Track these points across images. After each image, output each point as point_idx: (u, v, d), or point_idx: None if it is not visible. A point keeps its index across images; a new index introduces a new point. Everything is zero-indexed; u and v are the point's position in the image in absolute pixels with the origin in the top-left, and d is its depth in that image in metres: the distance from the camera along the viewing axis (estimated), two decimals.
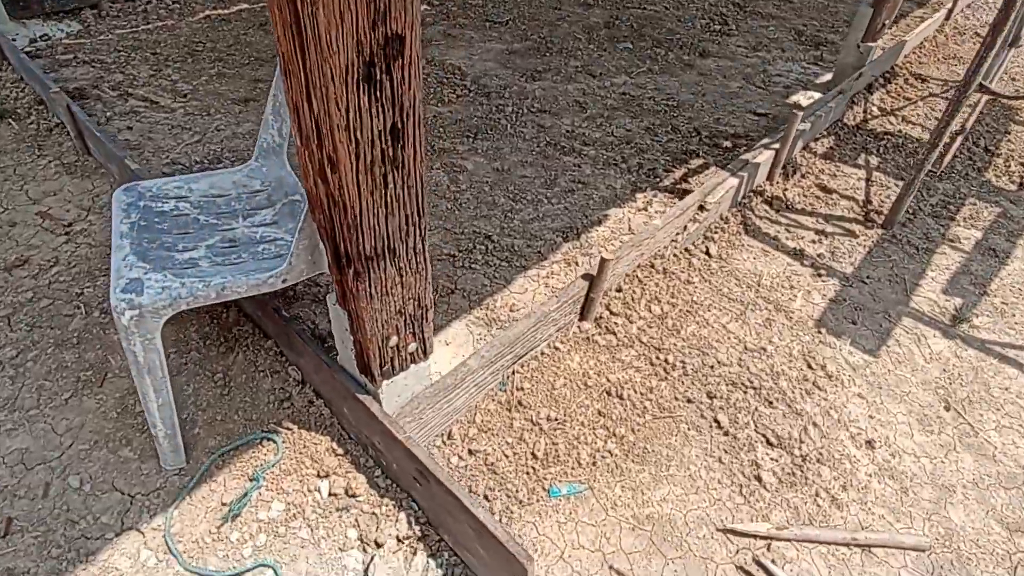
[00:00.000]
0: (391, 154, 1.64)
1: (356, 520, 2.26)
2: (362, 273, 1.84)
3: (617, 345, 3.04)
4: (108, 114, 4.67)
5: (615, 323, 3.13)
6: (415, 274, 2.03)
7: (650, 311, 3.24)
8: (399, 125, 1.60)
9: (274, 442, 2.52)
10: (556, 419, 2.67)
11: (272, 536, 2.21)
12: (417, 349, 2.26)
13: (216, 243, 2.45)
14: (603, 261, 2.85)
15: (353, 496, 2.31)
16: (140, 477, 2.39)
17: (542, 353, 2.94)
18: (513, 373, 2.82)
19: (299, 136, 1.71)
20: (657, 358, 3.00)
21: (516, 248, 3.66)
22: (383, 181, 1.67)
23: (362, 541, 2.20)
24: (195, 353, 2.85)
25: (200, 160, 4.21)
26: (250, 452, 2.49)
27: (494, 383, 2.75)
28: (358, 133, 1.52)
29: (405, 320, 2.12)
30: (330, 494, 2.33)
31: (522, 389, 2.76)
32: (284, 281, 2.22)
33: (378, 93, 1.48)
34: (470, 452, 2.50)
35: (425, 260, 2.03)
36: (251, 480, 2.39)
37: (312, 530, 2.23)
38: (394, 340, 2.12)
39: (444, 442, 2.53)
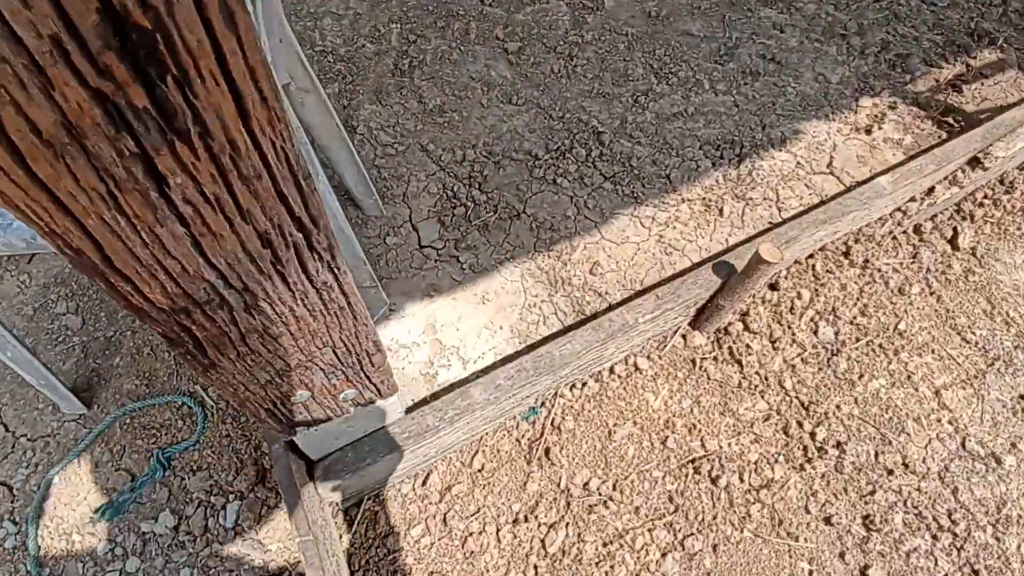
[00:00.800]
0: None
1: None
2: (180, 333, 0.84)
3: (739, 386, 1.87)
4: None
5: (747, 346, 1.91)
6: (323, 315, 0.98)
7: (814, 334, 1.95)
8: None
9: (195, 412, 1.79)
10: (598, 492, 1.69)
11: (145, 568, 1.58)
12: (360, 394, 1.29)
13: None
14: (759, 260, 1.57)
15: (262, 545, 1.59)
16: (32, 415, 1.81)
17: (610, 371, 1.86)
18: (555, 396, 1.80)
19: None
20: (800, 426, 1.81)
21: (634, 162, 2.36)
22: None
23: None
24: None
25: None
26: (168, 418, 1.81)
27: (516, 412, 1.76)
28: None
29: (323, 370, 1.13)
30: (235, 526, 1.62)
31: (559, 429, 1.76)
32: None
33: None
34: (444, 521, 1.63)
35: (343, 292, 0.97)
36: (154, 459, 1.72)
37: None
38: (303, 395, 1.16)
39: (415, 490, 1.67)
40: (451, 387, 1.83)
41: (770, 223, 2.22)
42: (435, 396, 1.88)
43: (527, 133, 2.45)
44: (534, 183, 2.32)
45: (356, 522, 1.59)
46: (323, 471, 1.43)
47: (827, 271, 2.01)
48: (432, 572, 1.57)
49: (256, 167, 0.66)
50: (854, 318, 1.98)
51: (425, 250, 2.20)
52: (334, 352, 1.08)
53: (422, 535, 1.60)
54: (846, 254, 2.05)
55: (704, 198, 2.27)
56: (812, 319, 1.96)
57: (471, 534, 1.61)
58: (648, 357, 1.87)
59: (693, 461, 1.75)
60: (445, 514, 1.63)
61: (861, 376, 1.89)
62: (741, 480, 1.72)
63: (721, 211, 2.23)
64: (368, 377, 1.23)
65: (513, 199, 2.29)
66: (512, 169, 2.36)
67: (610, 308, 2.03)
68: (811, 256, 2.02)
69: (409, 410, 1.56)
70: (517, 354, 1.94)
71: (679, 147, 2.41)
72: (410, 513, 1.63)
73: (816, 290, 1.99)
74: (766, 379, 1.87)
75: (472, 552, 1.59)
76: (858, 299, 2.01)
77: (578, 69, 2.64)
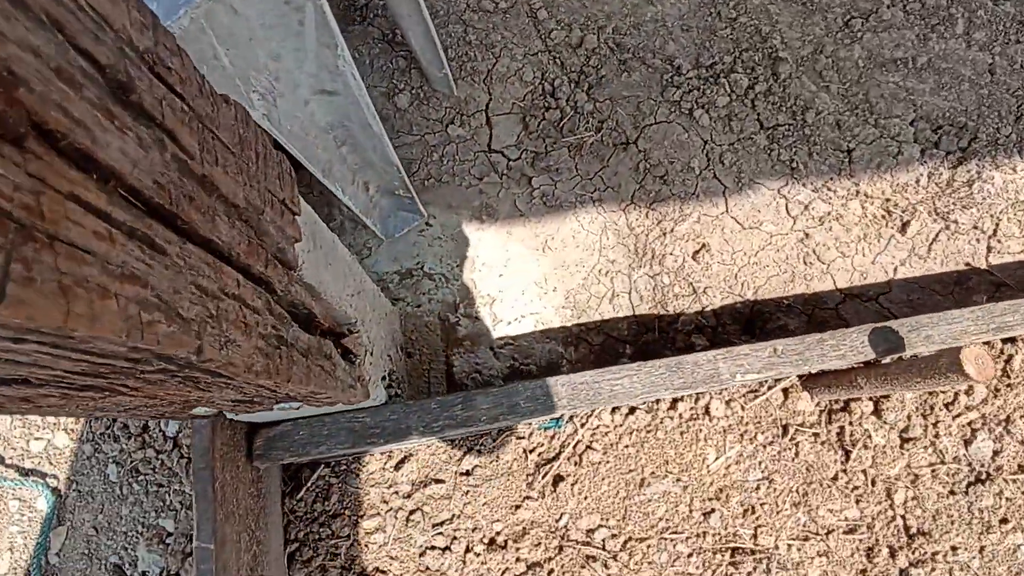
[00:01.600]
0: None
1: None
2: None
3: (833, 479, 1.39)
4: None
5: (867, 433, 1.39)
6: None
7: (965, 445, 1.40)
8: None
9: None
10: (602, 546, 1.33)
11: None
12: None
13: None
14: (955, 368, 1.01)
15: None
16: None
17: (671, 404, 1.40)
18: (590, 415, 1.38)
19: None
20: (891, 556, 1.35)
21: (811, 115, 1.67)
22: None
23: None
24: None
25: None
26: None
27: (535, 422, 1.36)
28: None
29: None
30: (176, 436, 1.36)
31: (580, 458, 1.36)
32: None
33: None
34: (407, 522, 1.32)
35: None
36: None
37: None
38: (201, 411, 0.77)
39: (383, 471, 1.35)
40: (458, 387, 1.43)
41: (967, 265, 1.56)
42: (449, 358, 1.49)
43: (678, 30, 1.75)
44: (662, 106, 1.68)
45: (305, 487, 1.31)
46: (264, 444, 1.10)
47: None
48: (377, 569, 1.30)
49: None
50: None
51: (494, 155, 1.68)
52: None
53: (376, 530, 1.30)
54: None
55: (888, 200, 1.60)
56: (971, 424, 1.40)
57: (433, 548, 1.30)
58: (727, 402, 1.39)
59: (735, 551, 1.34)
60: (411, 514, 1.31)
61: (1004, 522, 1.37)
62: None
63: (904, 227, 1.58)
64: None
65: (627, 120, 1.68)
66: (639, 77, 1.71)
67: (698, 344, 1.51)
68: (1013, 341, 1.40)
69: (392, 398, 1.18)
70: (560, 329, 1.49)
71: (883, 112, 1.68)
72: (370, 499, 1.32)
73: (998, 390, 1.40)
74: (872, 483, 1.37)
75: (427, 568, 1.29)
76: None
77: None
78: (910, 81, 1.72)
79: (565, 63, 1.73)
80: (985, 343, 1.38)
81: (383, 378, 1.19)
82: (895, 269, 1.57)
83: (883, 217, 1.60)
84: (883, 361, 1.20)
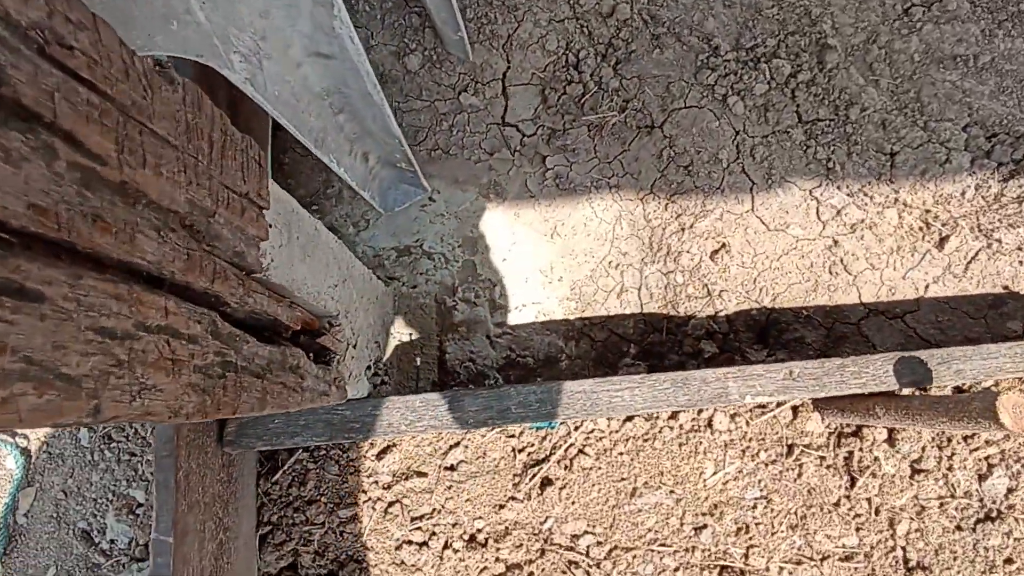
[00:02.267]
0: None
1: None
2: None
3: (835, 505, 1.32)
4: None
5: (876, 460, 1.31)
6: None
7: (979, 480, 1.32)
8: None
9: None
10: (586, 553, 1.28)
11: None
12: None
13: None
14: (988, 414, 0.92)
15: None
16: None
17: (672, 414, 1.33)
18: (584, 421, 1.31)
19: None
20: None
21: (854, 111, 1.54)
22: None
23: None
24: None
25: None
26: None
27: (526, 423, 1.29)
28: None
29: None
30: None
31: (571, 463, 1.30)
32: None
33: None
34: (385, 514, 1.27)
35: None
36: None
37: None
38: None
39: (364, 459, 1.29)
40: (446, 389, 1.35)
41: (1006, 289, 1.45)
42: (442, 343, 1.42)
43: (719, 5, 1.60)
44: (694, 89, 1.55)
45: (281, 471, 1.25)
46: (236, 431, 1.04)
47: None
48: (350, 558, 1.26)
49: None
50: None
51: (507, 129, 1.56)
52: None
53: (351, 519, 1.26)
54: None
55: (929, 211, 1.48)
56: (988, 459, 1.32)
57: (410, 542, 1.26)
58: (732, 416, 1.32)
59: (723, 570, 1.29)
60: (389, 505, 1.26)
61: (1009, 562, 1.30)
62: None
63: (943, 241, 1.46)
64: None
65: (654, 102, 1.55)
66: (672, 55, 1.57)
67: (708, 361, 1.42)
68: None
69: (377, 387, 1.11)
70: (561, 320, 1.41)
71: (934, 113, 1.54)
72: (347, 486, 1.27)
73: None
74: (876, 511, 1.30)
75: (402, 563, 1.25)
76: None
77: None
78: (968, 81, 1.57)
79: (593, 33, 1.59)
80: (1019, 379, 1.29)
81: (368, 367, 1.12)
82: (926, 287, 1.46)
83: (920, 229, 1.48)
84: (904, 394, 1.11)
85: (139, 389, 0.38)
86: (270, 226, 0.64)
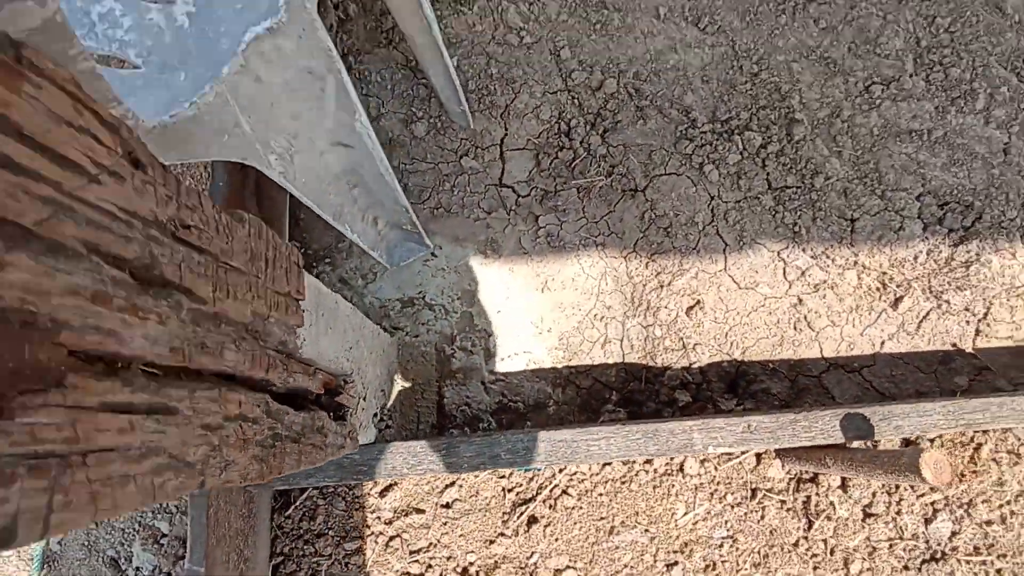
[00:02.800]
0: None
1: None
2: None
3: (794, 545, 1.45)
4: None
5: (831, 505, 1.45)
6: None
7: (925, 523, 1.45)
8: None
9: None
10: None
11: None
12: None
13: None
14: (913, 469, 1.06)
15: None
16: None
17: (647, 460, 1.46)
18: (564, 468, 1.44)
19: None
20: None
21: (819, 180, 1.70)
22: None
23: None
24: None
25: None
26: None
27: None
28: None
29: None
30: None
31: (555, 503, 1.43)
32: None
33: None
34: (386, 547, 1.39)
35: None
36: None
37: None
38: None
39: (368, 496, 1.42)
40: (444, 435, 1.49)
41: (954, 346, 1.60)
42: (441, 388, 1.55)
43: (698, 80, 1.77)
44: (674, 157, 1.71)
45: (293, 505, 1.38)
46: None
47: (994, 459, 1.44)
48: None
49: None
50: (989, 523, 1.45)
51: (504, 190, 1.72)
52: None
53: (356, 551, 1.38)
54: None
55: (885, 273, 1.63)
56: (934, 504, 1.45)
57: (408, 574, 1.38)
58: (702, 461, 1.45)
59: None
60: (390, 539, 1.39)
61: None
62: None
63: (897, 302, 1.61)
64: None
65: (638, 168, 1.71)
66: (655, 125, 1.74)
67: (678, 409, 1.56)
68: (985, 432, 1.44)
69: (383, 431, 1.24)
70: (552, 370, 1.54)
71: (891, 183, 1.70)
72: (353, 521, 1.39)
73: (963, 475, 1.44)
74: (831, 552, 1.43)
75: None
76: (1010, 503, 1.46)
77: (810, 8, 1.83)
78: (923, 154, 1.74)
79: (583, 104, 1.75)
80: (960, 433, 1.43)
81: (375, 415, 1.25)
82: (882, 343, 1.61)
83: (877, 290, 1.63)
84: (851, 445, 1.25)
85: (225, 465, 0.51)
86: (304, 310, 0.79)
